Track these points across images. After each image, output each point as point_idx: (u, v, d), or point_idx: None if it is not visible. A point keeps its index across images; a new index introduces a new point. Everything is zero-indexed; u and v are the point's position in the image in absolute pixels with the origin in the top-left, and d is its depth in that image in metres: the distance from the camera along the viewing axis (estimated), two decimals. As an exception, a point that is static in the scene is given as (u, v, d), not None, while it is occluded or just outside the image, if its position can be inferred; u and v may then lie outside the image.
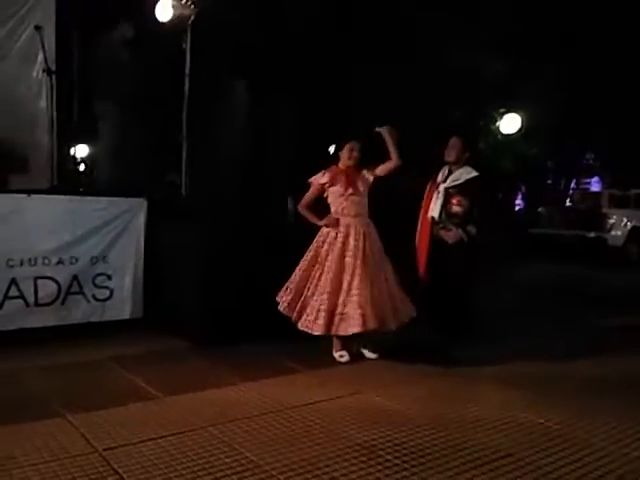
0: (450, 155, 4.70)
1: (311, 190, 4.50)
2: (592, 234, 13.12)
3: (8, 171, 5.20)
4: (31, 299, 4.71)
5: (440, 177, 4.75)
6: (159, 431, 3.03)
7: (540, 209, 15.07)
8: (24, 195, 4.71)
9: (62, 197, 4.97)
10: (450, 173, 4.77)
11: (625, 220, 13.44)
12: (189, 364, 4.32)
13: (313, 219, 4.50)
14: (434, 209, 4.64)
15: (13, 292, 4.64)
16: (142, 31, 6.82)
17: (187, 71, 5.53)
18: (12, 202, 4.64)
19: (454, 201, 4.69)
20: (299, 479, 2.59)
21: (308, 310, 4.31)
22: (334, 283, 4.25)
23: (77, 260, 4.92)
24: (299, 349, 4.67)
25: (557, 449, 2.99)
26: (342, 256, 4.30)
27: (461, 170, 4.68)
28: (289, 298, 4.41)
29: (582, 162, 22.98)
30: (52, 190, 5.32)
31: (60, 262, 4.84)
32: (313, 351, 4.63)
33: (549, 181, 21.56)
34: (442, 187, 4.67)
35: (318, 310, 4.25)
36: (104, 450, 2.81)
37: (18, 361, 4.13)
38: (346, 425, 3.21)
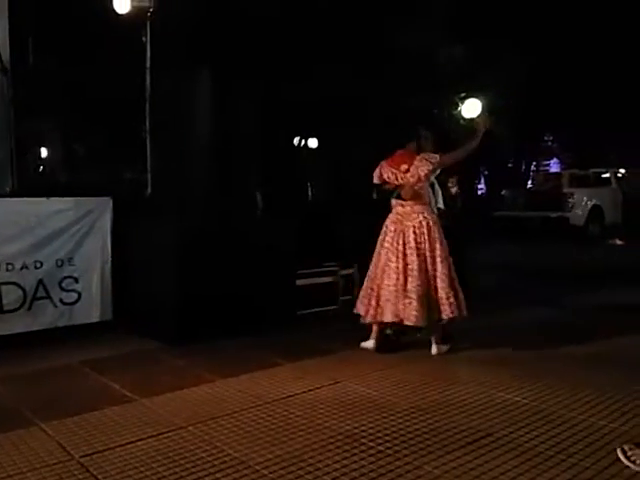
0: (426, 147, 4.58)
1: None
2: (554, 214, 13.40)
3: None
4: (-4, 306, 4.57)
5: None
6: (138, 434, 2.98)
7: (503, 192, 15.32)
8: (-17, 199, 4.56)
9: (24, 199, 4.83)
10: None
11: (586, 199, 13.77)
12: (165, 364, 4.26)
13: (470, 142, 4.37)
14: (439, 201, 4.59)
15: (-23, 300, 4.49)
16: (100, 26, 6.65)
17: (148, 65, 5.42)
18: (-29, 207, 4.48)
19: (449, 184, 4.75)
20: (283, 472, 2.58)
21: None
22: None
23: (42, 264, 4.79)
24: (277, 343, 4.69)
25: (535, 426, 3.05)
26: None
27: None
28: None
29: (541, 144, 23.47)
30: (13, 193, 5.16)
31: (24, 267, 4.70)
32: (292, 344, 4.64)
33: (510, 164, 21.94)
34: (432, 177, 4.52)
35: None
36: (81, 457, 2.74)
37: (-14, 371, 4.00)
38: (327, 415, 3.21)
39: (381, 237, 4.47)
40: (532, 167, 23.44)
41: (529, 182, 19.36)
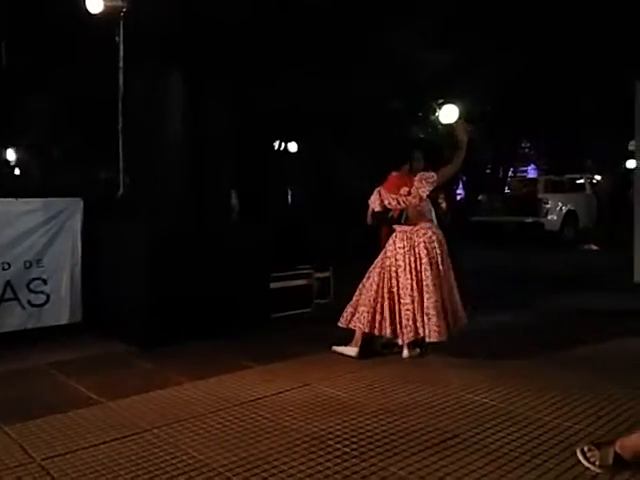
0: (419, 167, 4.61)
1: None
2: (530, 219, 13.54)
3: None
4: (-38, 309, 4.48)
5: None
6: (102, 437, 2.94)
7: (480, 197, 15.45)
8: (-52, 200, 4.48)
9: (-10, 200, 4.75)
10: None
11: (560, 204, 13.95)
12: (133, 367, 4.21)
13: (458, 156, 4.41)
14: (433, 219, 4.64)
15: (-58, 302, 4.40)
16: (73, 25, 6.59)
17: (121, 64, 5.36)
18: None
19: (439, 200, 4.83)
20: (247, 474, 2.55)
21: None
22: None
23: (10, 265, 4.71)
24: (249, 346, 4.67)
25: (501, 427, 3.06)
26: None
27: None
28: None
29: (518, 150, 23.72)
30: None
31: (-9, 268, 4.62)
32: (264, 347, 4.63)
33: (488, 170, 22.13)
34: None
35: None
36: (43, 460, 2.70)
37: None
38: (295, 418, 3.19)
39: (388, 254, 4.41)
40: (510, 173, 23.67)
41: (506, 188, 19.53)
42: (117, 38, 5.45)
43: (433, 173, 4.38)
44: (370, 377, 3.91)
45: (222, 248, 5.08)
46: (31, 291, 4.82)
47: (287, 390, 3.64)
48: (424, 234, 4.34)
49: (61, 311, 4.96)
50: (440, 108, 11.36)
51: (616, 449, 2.38)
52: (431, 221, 4.46)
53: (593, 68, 15.44)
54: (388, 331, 4.31)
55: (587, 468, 2.49)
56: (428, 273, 4.24)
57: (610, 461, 2.38)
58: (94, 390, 3.64)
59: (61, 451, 2.78)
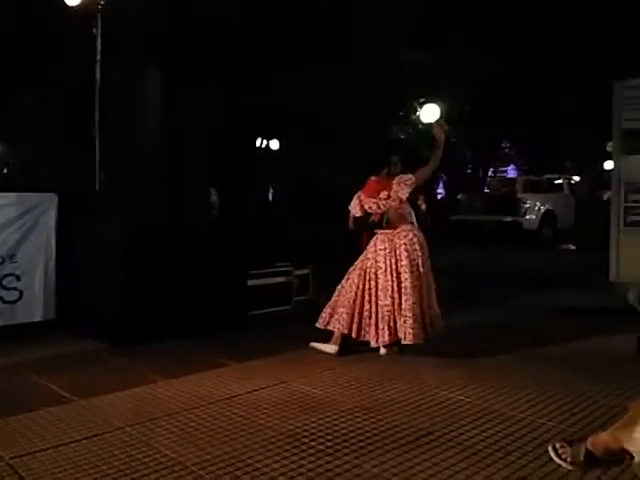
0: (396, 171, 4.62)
1: None
2: (508, 218, 13.66)
3: None
4: None
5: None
6: (73, 435, 2.88)
7: (459, 196, 15.54)
8: None
9: (-39, 194, 4.65)
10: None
11: (539, 204, 14.09)
12: (107, 365, 4.15)
13: (435, 156, 4.40)
14: (415, 220, 4.64)
15: None
16: (54, 19, 6.49)
17: (98, 58, 5.29)
18: None
19: (419, 202, 4.87)
20: (220, 473, 2.53)
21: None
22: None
23: (-19, 261, 4.62)
24: (226, 343, 4.63)
25: (476, 424, 3.07)
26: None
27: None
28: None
29: (498, 151, 23.94)
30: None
31: (-38, 264, 4.52)
32: (241, 344, 4.60)
33: (468, 170, 22.30)
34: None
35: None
36: (11, 458, 2.64)
37: None
38: (270, 415, 3.17)
39: (369, 256, 4.41)
40: (490, 173, 23.87)
41: (485, 187, 19.70)
42: (94, 30, 5.37)
43: (411, 175, 4.40)
44: (347, 374, 3.90)
45: (199, 244, 5.03)
46: (4, 287, 4.73)
47: (263, 388, 3.61)
48: (405, 236, 4.35)
49: (34, 308, 4.88)
50: (421, 107, 11.35)
51: (587, 446, 2.39)
52: (412, 223, 4.48)
53: (572, 69, 15.61)
54: (354, 334, 4.33)
55: (559, 465, 2.50)
56: (407, 275, 4.25)
57: (581, 458, 2.39)
58: (66, 388, 3.57)
59: (30, 450, 2.72)
